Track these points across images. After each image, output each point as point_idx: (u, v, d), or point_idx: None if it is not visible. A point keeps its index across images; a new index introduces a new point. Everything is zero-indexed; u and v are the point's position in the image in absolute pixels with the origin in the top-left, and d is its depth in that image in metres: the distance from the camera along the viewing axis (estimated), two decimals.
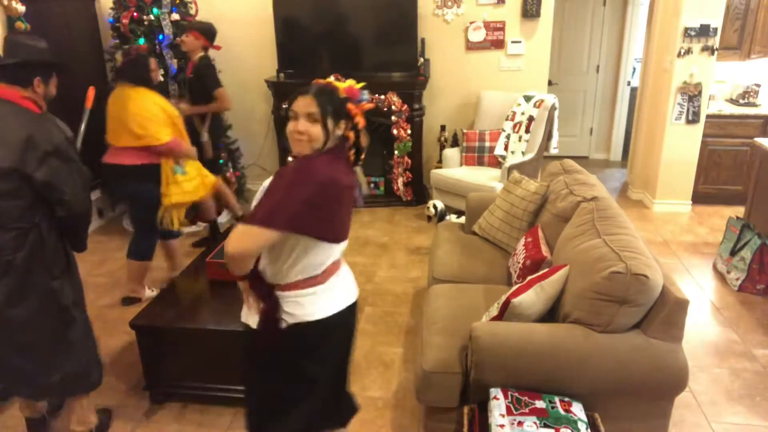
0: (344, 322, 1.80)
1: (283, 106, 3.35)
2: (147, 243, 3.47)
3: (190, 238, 4.55)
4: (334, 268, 1.74)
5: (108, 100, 3.25)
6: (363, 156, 1.73)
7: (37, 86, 2.12)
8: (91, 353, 2.36)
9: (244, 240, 1.52)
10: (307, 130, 1.60)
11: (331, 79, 1.72)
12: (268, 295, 1.69)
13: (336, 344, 1.81)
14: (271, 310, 1.68)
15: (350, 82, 1.70)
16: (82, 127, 3.04)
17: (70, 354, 2.26)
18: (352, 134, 1.68)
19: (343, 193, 1.61)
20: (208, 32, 3.89)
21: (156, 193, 3.25)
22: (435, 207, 3.97)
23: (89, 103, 3.10)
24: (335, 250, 1.71)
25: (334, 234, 1.63)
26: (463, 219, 3.65)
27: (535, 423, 1.76)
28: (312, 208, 1.53)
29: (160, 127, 3.15)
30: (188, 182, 3.33)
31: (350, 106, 1.65)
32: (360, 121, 1.67)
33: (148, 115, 3.13)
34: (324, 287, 1.70)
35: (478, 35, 5.04)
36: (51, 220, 2.13)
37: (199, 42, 3.85)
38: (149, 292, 3.62)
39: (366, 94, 1.71)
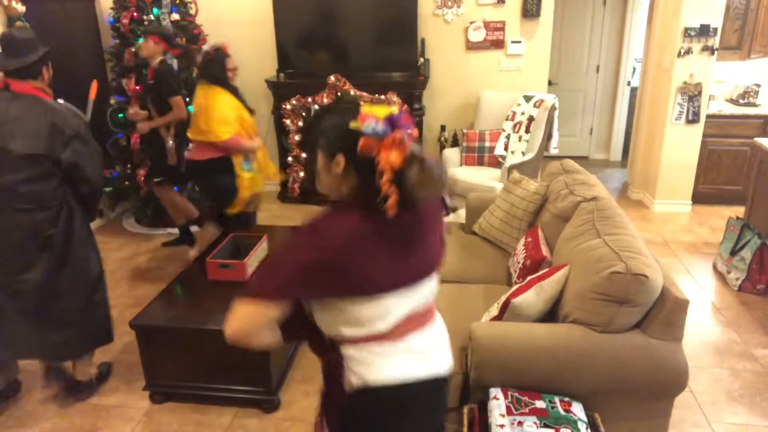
0: (428, 396, 1.41)
1: None
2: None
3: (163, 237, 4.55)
4: (412, 323, 1.37)
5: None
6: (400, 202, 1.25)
7: (44, 75, 2.38)
8: (108, 312, 2.73)
9: (238, 319, 1.28)
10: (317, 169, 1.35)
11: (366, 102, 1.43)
12: (327, 349, 1.40)
13: (413, 423, 1.41)
14: (330, 366, 1.39)
15: (385, 108, 1.30)
16: (88, 117, 3.13)
17: (95, 315, 2.62)
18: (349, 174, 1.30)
19: (357, 248, 1.26)
20: (167, 37, 3.80)
21: (227, 183, 3.43)
22: None
23: (92, 94, 3.26)
24: (397, 302, 1.33)
25: (361, 288, 1.29)
26: None
27: (535, 423, 1.76)
28: (311, 272, 1.25)
29: (221, 126, 3.30)
30: (252, 177, 3.54)
31: (365, 140, 1.25)
32: (383, 161, 1.23)
33: (215, 113, 3.30)
34: (398, 347, 1.35)
35: (478, 35, 5.04)
36: (75, 197, 2.45)
37: (159, 47, 3.72)
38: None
39: (397, 122, 1.27)
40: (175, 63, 4.33)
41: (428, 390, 1.40)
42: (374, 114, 1.26)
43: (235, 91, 3.47)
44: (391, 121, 1.25)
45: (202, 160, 3.43)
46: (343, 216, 1.30)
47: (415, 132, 1.32)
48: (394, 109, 1.29)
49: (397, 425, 1.39)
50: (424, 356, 1.39)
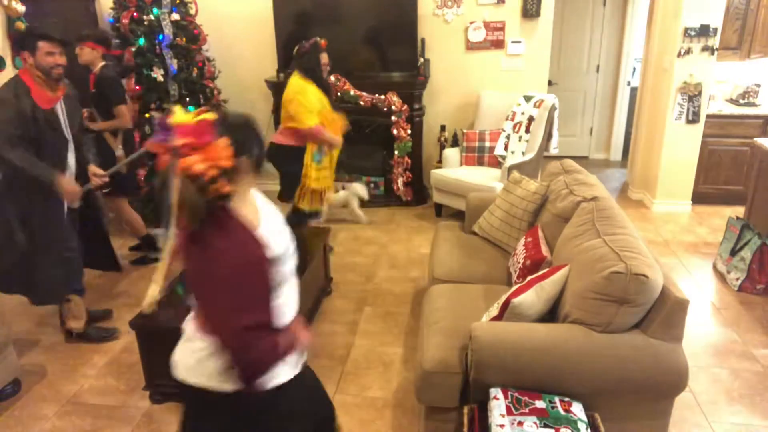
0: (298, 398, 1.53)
1: None
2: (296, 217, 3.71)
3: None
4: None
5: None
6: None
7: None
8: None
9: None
10: None
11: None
12: None
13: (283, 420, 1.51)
14: None
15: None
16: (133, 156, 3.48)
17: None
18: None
19: None
20: (103, 40, 3.71)
21: (296, 171, 3.52)
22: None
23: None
24: None
25: None
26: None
27: (535, 423, 1.76)
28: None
29: (308, 113, 3.42)
30: (320, 171, 3.60)
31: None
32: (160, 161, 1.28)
33: (303, 102, 3.42)
34: None
35: (478, 35, 5.04)
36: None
37: (96, 52, 3.60)
38: None
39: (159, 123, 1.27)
40: (175, 63, 4.34)
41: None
42: (161, 117, 1.31)
43: (325, 87, 3.57)
44: (159, 126, 1.27)
45: (281, 144, 3.57)
46: None
47: (187, 146, 1.25)
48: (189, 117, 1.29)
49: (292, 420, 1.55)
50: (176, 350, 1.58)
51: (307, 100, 3.44)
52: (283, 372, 1.46)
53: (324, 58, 3.56)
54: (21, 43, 2.57)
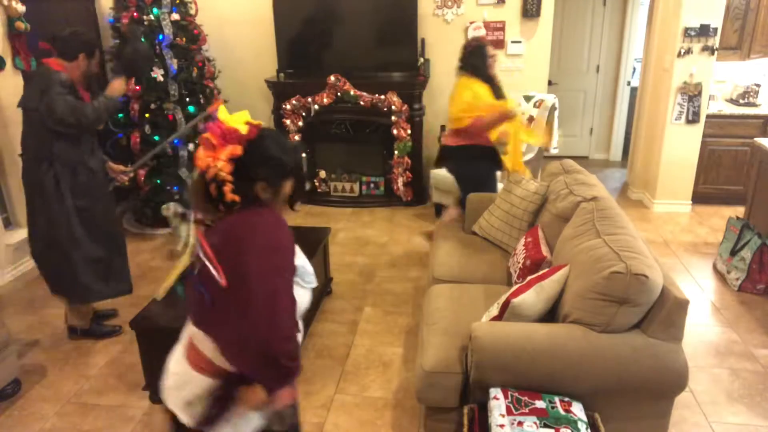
0: None
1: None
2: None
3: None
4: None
5: None
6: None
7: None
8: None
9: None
10: None
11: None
12: None
13: None
14: None
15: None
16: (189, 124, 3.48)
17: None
18: None
19: None
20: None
21: (470, 172, 3.53)
22: (170, 208, 4.00)
23: (211, 109, 3.51)
24: None
25: None
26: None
27: (535, 423, 1.76)
28: None
29: (463, 113, 3.43)
30: (506, 159, 3.62)
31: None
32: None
33: (459, 102, 3.45)
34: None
35: (478, 35, 5.03)
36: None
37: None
38: None
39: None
40: (175, 63, 4.34)
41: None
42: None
43: (491, 82, 3.55)
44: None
45: (452, 146, 3.62)
46: None
47: (205, 139, 1.35)
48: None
49: None
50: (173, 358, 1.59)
51: (461, 100, 3.45)
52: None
53: (490, 52, 3.57)
54: (86, 48, 2.77)
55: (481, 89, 3.49)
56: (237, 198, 1.33)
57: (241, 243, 1.30)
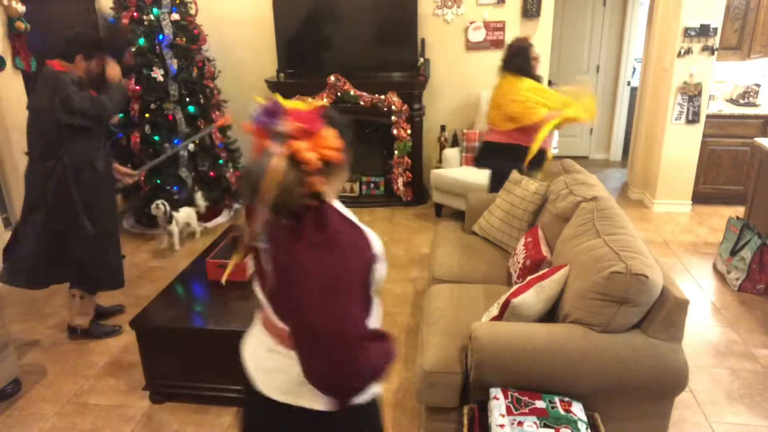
0: (248, 404, 1.43)
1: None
2: None
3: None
4: (261, 319, 1.40)
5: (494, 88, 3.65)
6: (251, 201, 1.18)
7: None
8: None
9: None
10: None
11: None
12: None
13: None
14: None
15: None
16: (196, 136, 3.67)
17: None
18: None
19: None
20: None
21: (507, 171, 3.44)
22: (164, 205, 4.14)
23: (219, 123, 3.81)
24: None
25: None
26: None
27: (535, 423, 1.76)
28: None
29: (530, 110, 3.40)
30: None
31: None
32: (254, 147, 1.23)
33: (521, 98, 3.41)
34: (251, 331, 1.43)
35: (478, 35, 5.04)
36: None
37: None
38: None
39: (264, 112, 1.20)
40: (175, 63, 4.34)
41: (249, 399, 1.38)
42: (260, 101, 1.23)
43: (537, 80, 3.53)
44: (264, 111, 1.20)
45: (500, 142, 3.60)
46: None
47: (301, 132, 1.17)
48: (295, 104, 1.22)
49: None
50: (248, 357, 1.42)
51: (522, 98, 3.41)
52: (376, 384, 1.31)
53: (533, 52, 3.53)
54: (84, 49, 2.81)
55: (534, 90, 3.45)
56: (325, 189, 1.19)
57: (301, 259, 1.17)
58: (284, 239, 1.18)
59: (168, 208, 4.17)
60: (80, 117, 2.76)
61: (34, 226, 2.91)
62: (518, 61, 3.50)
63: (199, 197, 4.52)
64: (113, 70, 2.92)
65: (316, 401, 1.26)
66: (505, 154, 3.55)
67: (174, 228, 4.27)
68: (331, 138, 1.19)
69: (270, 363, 1.33)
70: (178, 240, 4.36)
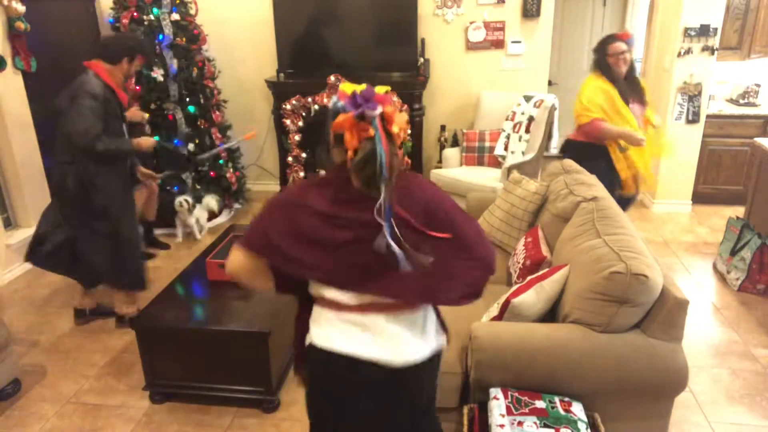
0: (357, 378, 1.46)
1: None
2: None
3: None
4: (372, 307, 1.44)
5: None
6: (375, 182, 1.33)
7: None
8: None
9: (231, 261, 1.47)
10: None
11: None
12: (307, 306, 1.62)
13: (313, 384, 1.56)
14: (299, 320, 1.62)
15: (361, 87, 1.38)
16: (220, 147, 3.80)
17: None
18: (335, 149, 1.42)
19: (298, 216, 1.40)
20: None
21: (596, 170, 3.34)
22: (187, 201, 4.22)
23: (247, 136, 3.88)
24: (331, 288, 1.46)
25: (289, 264, 1.42)
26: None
27: (535, 423, 1.76)
28: (258, 222, 1.45)
29: (582, 111, 3.36)
30: (627, 158, 3.45)
31: (335, 117, 1.38)
32: (348, 136, 1.34)
33: (581, 99, 3.38)
34: (346, 319, 1.46)
35: (478, 35, 5.04)
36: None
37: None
38: None
39: (354, 98, 1.34)
40: (175, 63, 4.34)
41: (358, 371, 1.44)
42: (343, 90, 1.36)
43: (618, 82, 3.37)
44: (354, 99, 1.33)
45: (572, 140, 3.61)
46: (312, 184, 1.46)
47: (389, 111, 1.36)
48: (362, 87, 1.35)
49: (321, 389, 1.54)
50: (368, 337, 1.44)
51: (584, 97, 3.36)
52: None
53: (612, 48, 3.33)
54: (129, 52, 2.96)
55: (602, 91, 3.33)
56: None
57: (435, 198, 1.45)
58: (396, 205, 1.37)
59: (191, 202, 4.31)
60: (71, 135, 2.78)
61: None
62: (595, 55, 3.43)
63: (212, 200, 4.59)
64: (147, 144, 3.11)
65: (432, 346, 1.52)
66: (577, 153, 3.47)
67: (192, 220, 4.40)
68: (403, 117, 1.40)
69: (395, 332, 1.45)
70: (198, 229, 4.51)
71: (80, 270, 3.15)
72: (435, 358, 1.55)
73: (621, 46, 3.34)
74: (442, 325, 1.63)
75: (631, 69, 3.45)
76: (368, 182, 1.35)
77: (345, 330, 1.45)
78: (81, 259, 3.07)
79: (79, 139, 2.76)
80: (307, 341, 1.52)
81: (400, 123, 1.38)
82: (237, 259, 1.46)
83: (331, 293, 1.45)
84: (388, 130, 1.35)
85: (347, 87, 1.36)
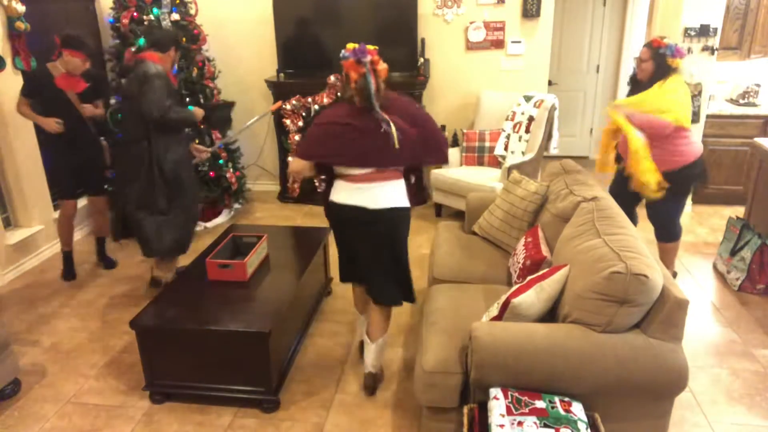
0: (352, 216, 2.44)
1: None
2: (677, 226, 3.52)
3: None
4: (369, 177, 2.41)
5: None
6: (369, 100, 2.31)
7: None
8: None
9: (292, 164, 2.51)
10: None
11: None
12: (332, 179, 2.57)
13: (332, 221, 2.60)
14: (328, 187, 2.59)
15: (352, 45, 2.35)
16: (252, 120, 3.90)
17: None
18: (345, 84, 2.38)
19: (328, 128, 2.40)
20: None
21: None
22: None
23: (273, 107, 4.14)
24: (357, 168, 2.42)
25: (337, 156, 2.41)
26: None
27: (535, 423, 1.76)
28: (314, 140, 2.46)
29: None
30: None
31: (343, 62, 2.35)
32: (351, 74, 2.32)
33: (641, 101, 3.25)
34: (351, 186, 2.43)
35: (478, 35, 5.04)
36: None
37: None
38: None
39: (354, 51, 2.32)
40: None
41: (353, 213, 2.43)
42: (347, 47, 2.34)
43: (635, 87, 3.35)
44: (354, 51, 2.33)
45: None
46: (334, 108, 2.52)
47: (376, 59, 2.38)
48: (356, 45, 2.34)
49: (337, 226, 2.60)
50: (361, 194, 2.41)
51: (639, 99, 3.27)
52: None
53: (645, 53, 3.25)
54: (175, 43, 3.36)
55: (674, 87, 3.22)
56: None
57: (412, 109, 2.50)
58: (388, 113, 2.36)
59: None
60: (148, 110, 3.09)
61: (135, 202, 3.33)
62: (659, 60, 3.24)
63: None
64: (199, 114, 3.49)
65: (405, 202, 2.50)
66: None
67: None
68: (384, 65, 2.41)
69: (378, 191, 2.42)
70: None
71: (161, 241, 3.42)
72: (402, 210, 2.47)
73: (643, 53, 3.29)
74: (414, 195, 2.65)
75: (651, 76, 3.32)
76: (365, 100, 2.32)
77: (349, 191, 2.43)
78: (161, 229, 3.38)
79: (155, 111, 3.09)
80: (330, 200, 2.51)
81: (382, 67, 2.38)
82: (298, 164, 2.47)
83: (348, 170, 2.42)
84: (375, 69, 2.34)
85: (350, 45, 2.32)
